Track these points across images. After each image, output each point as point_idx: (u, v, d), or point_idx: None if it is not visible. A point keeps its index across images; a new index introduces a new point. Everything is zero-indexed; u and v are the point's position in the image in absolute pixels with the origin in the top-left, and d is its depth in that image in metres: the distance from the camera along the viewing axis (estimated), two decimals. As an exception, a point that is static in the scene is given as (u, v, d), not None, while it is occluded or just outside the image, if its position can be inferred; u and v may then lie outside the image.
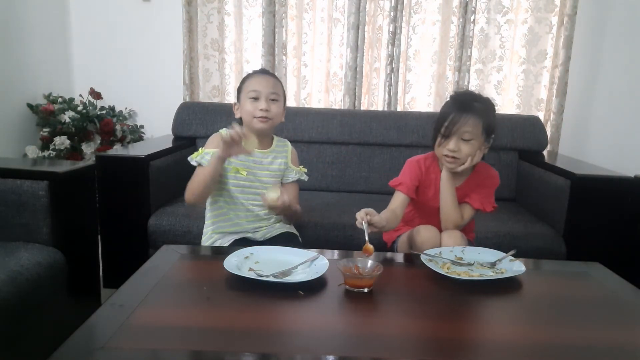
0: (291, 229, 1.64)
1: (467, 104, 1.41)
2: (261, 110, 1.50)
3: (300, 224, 1.77)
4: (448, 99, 1.50)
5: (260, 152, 1.57)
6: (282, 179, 1.64)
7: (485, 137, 1.43)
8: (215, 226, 1.55)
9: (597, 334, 0.98)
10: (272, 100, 1.53)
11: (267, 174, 1.58)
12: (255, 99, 1.52)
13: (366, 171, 2.36)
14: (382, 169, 2.35)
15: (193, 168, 1.53)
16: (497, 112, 2.64)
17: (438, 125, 1.44)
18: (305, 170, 1.69)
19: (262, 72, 1.60)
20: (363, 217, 1.24)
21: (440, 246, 1.42)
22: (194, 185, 1.47)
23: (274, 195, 1.42)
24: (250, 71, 1.63)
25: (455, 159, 1.41)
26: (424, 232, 1.44)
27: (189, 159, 1.53)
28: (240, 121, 1.58)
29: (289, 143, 1.69)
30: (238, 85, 1.61)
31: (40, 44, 2.66)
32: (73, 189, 1.56)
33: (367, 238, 1.21)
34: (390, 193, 1.82)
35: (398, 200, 1.51)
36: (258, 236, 1.56)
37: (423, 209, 1.55)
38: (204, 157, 1.50)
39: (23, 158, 2.52)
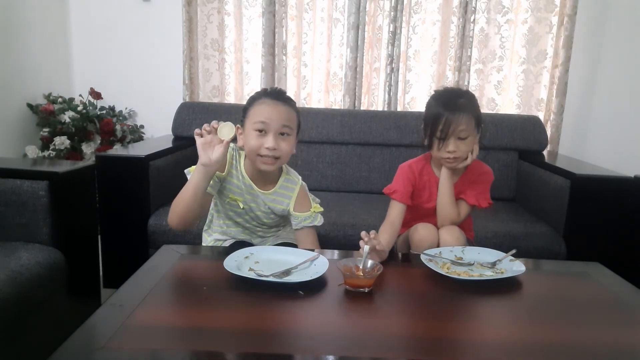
0: (293, 240, 1.49)
1: (454, 103, 1.40)
2: (267, 148, 1.27)
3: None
4: (431, 100, 1.48)
5: (261, 192, 1.38)
6: (291, 223, 1.43)
7: (477, 130, 1.45)
8: (222, 236, 1.50)
9: (597, 334, 0.98)
10: (283, 134, 1.30)
11: (264, 214, 1.41)
12: (262, 131, 1.28)
13: (366, 171, 2.36)
14: (382, 169, 2.35)
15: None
16: (497, 112, 2.68)
17: (431, 129, 1.42)
18: (321, 209, 1.44)
19: (275, 96, 1.32)
20: (366, 237, 1.16)
21: (438, 243, 1.42)
22: (176, 204, 1.28)
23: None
24: (262, 90, 1.37)
25: (456, 158, 1.43)
26: (422, 230, 1.44)
27: (185, 171, 1.36)
28: (242, 149, 1.38)
29: (299, 184, 1.41)
30: (245, 104, 1.37)
31: (40, 44, 2.66)
32: (73, 189, 1.56)
33: (362, 263, 1.13)
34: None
35: (396, 211, 1.49)
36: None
37: (418, 211, 1.55)
38: None
39: (23, 158, 2.52)
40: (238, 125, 1.34)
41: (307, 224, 1.40)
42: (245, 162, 1.39)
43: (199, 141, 1.23)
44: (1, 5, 2.39)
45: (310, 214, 1.41)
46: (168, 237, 1.83)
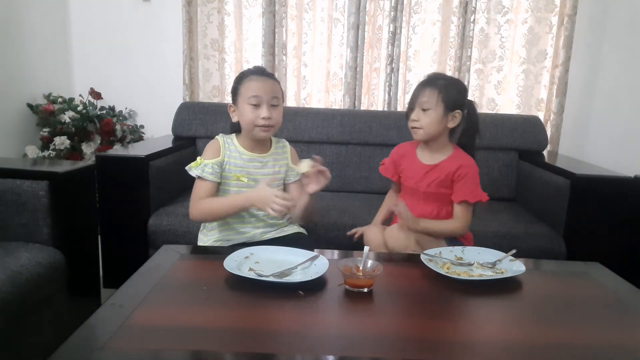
0: (300, 229, 1.61)
1: (427, 80, 1.55)
2: (263, 118, 1.44)
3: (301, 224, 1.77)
4: None
5: (260, 157, 1.52)
6: (285, 180, 1.59)
7: (445, 108, 1.52)
8: (222, 234, 1.52)
9: (597, 334, 0.98)
10: (273, 105, 1.46)
11: (269, 178, 1.52)
12: (256, 105, 1.44)
13: (366, 171, 2.36)
14: (382, 169, 2.35)
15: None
16: (497, 112, 2.68)
17: (408, 103, 1.60)
18: None
19: (260, 72, 1.50)
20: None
21: (385, 245, 1.53)
22: (207, 211, 1.43)
23: (305, 166, 1.41)
24: (246, 69, 1.53)
25: (418, 128, 1.54)
26: (368, 234, 1.61)
27: (187, 168, 1.47)
28: (237, 125, 1.53)
29: (287, 143, 1.63)
30: (233, 84, 1.52)
31: (40, 44, 2.66)
32: (73, 189, 1.56)
33: (362, 263, 1.14)
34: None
35: (390, 195, 1.76)
36: (264, 239, 1.52)
37: (404, 189, 1.66)
38: (204, 169, 1.44)
39: (23, 158, 2.52)
40: (230, 104, 1.53)
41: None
42: (238, 140, 1.53)
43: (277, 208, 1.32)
44: (1, 5, 2.39)
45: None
46: (168, 237, 1.83)
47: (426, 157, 1.60)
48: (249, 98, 1.44)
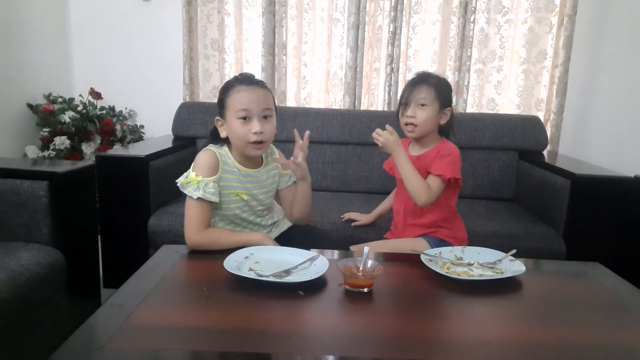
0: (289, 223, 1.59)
1: (420, 78, 1.58)
2: (255, 133, 1.32)
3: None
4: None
5: (255, 172, 1.45)
6: (278, 187, 1.55)
7: (440, 106, 1.56)
8: None
9: (597, 334, 0.98)
10: (265, 117, 1.35)
11: (264, 191, 1.48)
12: (245, 118, 1.33)
13: (366, 171, 2.36)
14: (382, 169, 2.34)
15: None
16: (497, 112, 2.68)
17: (400, 98, 1.63)
18: None
19: (249, 81, 1.36)
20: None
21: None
22: (213, 244, 1.32)
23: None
24: (232, 78, 1.40)
25: (414, 125, 1.56)
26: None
27: (180, 186, 1.35)
28: (226, 141, 1.42)
29: (274, 148, 1.54)
30: (219, 96, 1.40)
31: (40, 44, 2.66)
32: (73, 189, 1.56)
33: (362, 263, 1.14)
34: (389, 193, 1.83)
35: (395, 192, 1.77)
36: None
37: (397, 182, 1.68)
38: (205, 189, 1.32)
39: (23, 158, 2.52)
40: (217, 117, 1.42)
41: (293, 181, 1.54)
42: (232, 155, 1.43)
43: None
44: (1, 5, 2.39)
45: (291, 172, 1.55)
46: (168, 237, 1.83)
47: (415, 150, 1.64)
48: (237, 112, 1.33)
